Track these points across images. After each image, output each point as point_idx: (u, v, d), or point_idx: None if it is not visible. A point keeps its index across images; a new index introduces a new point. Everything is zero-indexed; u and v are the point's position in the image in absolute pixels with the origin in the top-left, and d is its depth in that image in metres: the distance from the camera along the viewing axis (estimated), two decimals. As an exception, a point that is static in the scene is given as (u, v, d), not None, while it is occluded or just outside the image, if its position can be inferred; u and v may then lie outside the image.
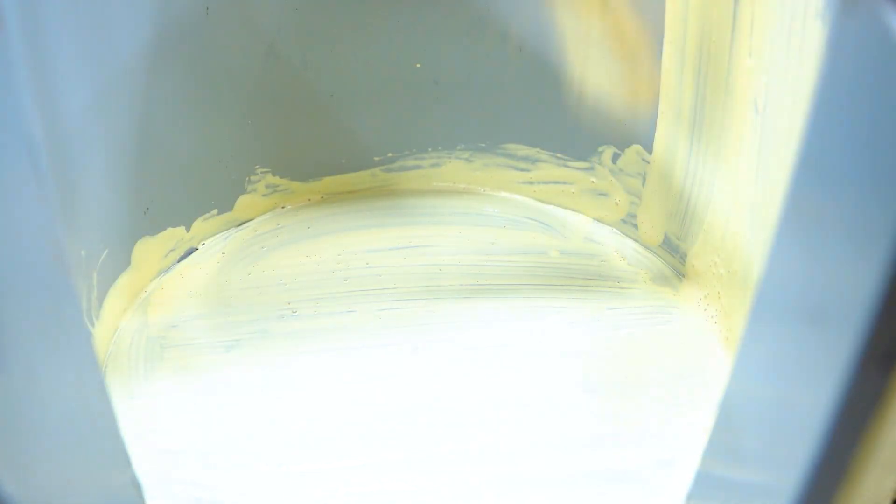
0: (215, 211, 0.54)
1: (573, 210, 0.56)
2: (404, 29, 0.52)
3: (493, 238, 0.54)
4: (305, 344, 0.48)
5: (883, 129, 0.24)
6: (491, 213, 0.56)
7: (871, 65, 0.24)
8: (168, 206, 0.51)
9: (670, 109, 0.49)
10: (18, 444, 0.28)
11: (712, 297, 0.50)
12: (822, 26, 0.38)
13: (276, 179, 0.55)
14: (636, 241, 0.54)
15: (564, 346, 0.48)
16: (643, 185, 0.52)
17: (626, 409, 0.46)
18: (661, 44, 0.48)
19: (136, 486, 0.36)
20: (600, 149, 0.53)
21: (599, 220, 0.55)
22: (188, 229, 0.53)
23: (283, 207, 0.56)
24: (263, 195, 0.55)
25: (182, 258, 0.53)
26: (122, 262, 0.49)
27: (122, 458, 0.35)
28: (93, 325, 0.47)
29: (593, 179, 0.54)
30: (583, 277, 0.52)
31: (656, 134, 0.50)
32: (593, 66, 0.51)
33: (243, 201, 0.54)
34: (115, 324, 0.49)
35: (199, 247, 0.53)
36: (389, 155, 0.56)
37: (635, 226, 0.54)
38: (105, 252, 0.48)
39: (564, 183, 0.55)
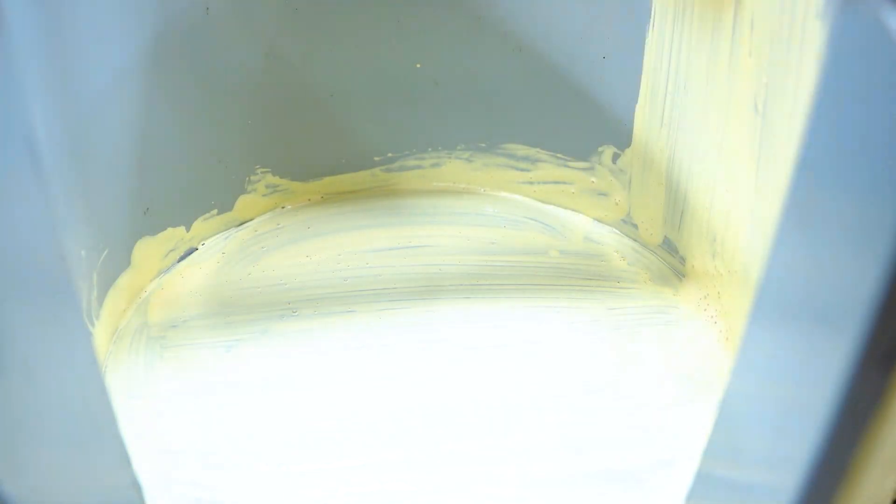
0: (215, 211, 0.54)
1: (573, 210, 0.56)
2: (404, 29, 0.52)
3: (493, 238, 0.54)
4: (305, 344, 0.48)
5: (883, 129, 0.24)
6: (491, 213, 0.56)
7: (871, 65, 0.24)
8: (168, 206, 0.51)
9: (656, 109, 0.49)
10: (18, 444, 0.28)
11: (712, 297, 0.50)
12: (822, 26, 0.38)
13: (276, 179, 0.55)
14: (636, 241, 0.54)
15: (564, 346, 0.48)
16: (643, 185, 0.53)
17: (626, 409, 0.46)
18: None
19: (136, 486, 0.36)
20: (600, 149, 0.53)
21: (599, 220, 0.55)
22: (188, 229, 0.53)
23: (283, 207, 0.56)
24: (263, 195, 0.55)
25: (182, 258, 0.53)
26: (122, 262, 0.49)
27: (122, 458, 0.35)
28: (93, 325, 0.47)
29: (593, 179, 0.54)
30: (583, 277, 0.52)
31: (654, 134, 0.51)
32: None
33: (243, 201, 0.54)
34: (115, 324, 0.49)
35: (199, 247, 0.53)
36: (389, 155, 0.56)
37: (635, 226, 0.54)
38: (105, 252, 0.48)
39: (564, 183, 0.55)
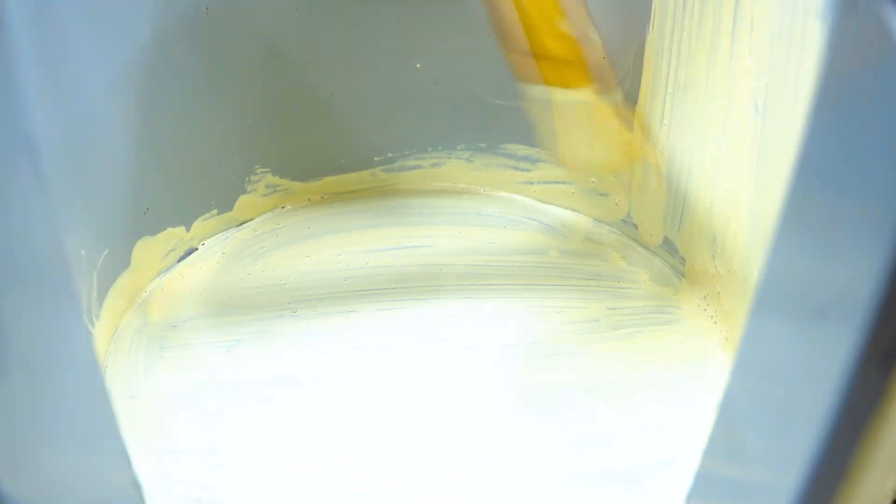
0: (215, 211, 0.54)
1: (573, 210, 0.56)
2: (404, 29, 0.52)
3: (493, 238, 0.54)
4: (305, 344, 0.48)
5: (883, 129, 0.24)
6: (491, 213, 0.56)
7: (871, 65, 0.24)
8: (168, 206, 0.51)
9: (657, 108, 0.49)
10: (18, 444, 0.28)
11: (712, 298, 0.50)
12: (822, 26, 0.38)
13: (276, 179, 0.55)
14: (636, 241, 0.54)
15: (564, 345, 0.48)
16: (643, 185, 0.53)
17: (626, 409, 0.46)
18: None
19: (136, 486, 0.36)
20: (600, 149, 0.53)
21: (599, 220, 0.55)
22: (188, 229, 0.53)
23: (283, 207, 0.56)
24: (263, 195, 0.55)
25: (182, 258, 0.53)
26: (122, 262, 0.49)
27: (122, 458, 0.35)
28: (93, 325, 0.47)
29: (593, 179, 0.54)
30: (583, 277, 0.52)
31: (649, 134, 0.50)
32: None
33: (243, 201, 0.54)
34: (115, 324, 0.49)
35: (199, 247, 0.53)
36: (389, 155, 0.56)
37: (635, 226, 0.54)
38: (105, 252, 0.48)
39: (564, 183, 0.55)
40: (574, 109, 0.47)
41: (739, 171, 0.46)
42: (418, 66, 0.53)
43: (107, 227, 0.48)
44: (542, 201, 0.56)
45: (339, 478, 0.43)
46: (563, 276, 0.52)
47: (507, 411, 0.45)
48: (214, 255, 0.53)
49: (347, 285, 0.51)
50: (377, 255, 0.53)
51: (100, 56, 0.44)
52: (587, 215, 0.55)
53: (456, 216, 0.55)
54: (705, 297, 0.50)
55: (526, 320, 0.50)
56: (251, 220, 0.55)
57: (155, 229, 0.51)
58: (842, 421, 0.25)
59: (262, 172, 0.54)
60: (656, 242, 0.53)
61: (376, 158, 0.56)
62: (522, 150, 0.55)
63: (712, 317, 0.50)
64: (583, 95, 0.46)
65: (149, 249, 0.51)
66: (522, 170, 0.56)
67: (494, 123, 0.55)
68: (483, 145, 0.56)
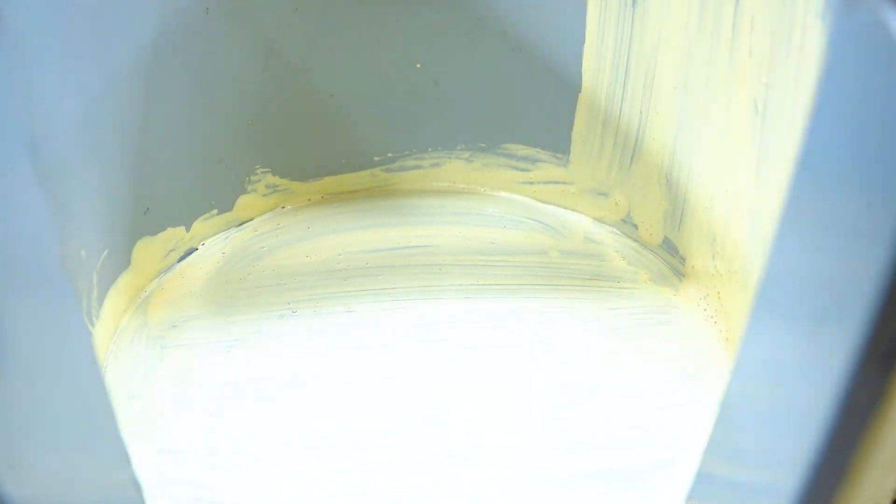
0: (215, 211, 0.54)
1: (573, 210, 0.56)
2: (404, 29, 0.52)
3: (493, 238, 0.54)
4: (305, 344, 0.48)
5: (883, 129, 0.24)
6: (491, 213, 0.56)
7: (871, 65, 0.24)
8: (168, 206, 0.51)
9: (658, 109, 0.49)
10: (18, 444, 0.28)
11: (712, 297, 0.50)
12: (822, 26, 0.38)
13: (276, 179, 0.55)
14: (636, 241, 0.54)
15: (564, 346, 0.48)
16: (643, 185, 0.53)
17: (626, 409, 0.46)
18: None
19: (136, 486, 0.36)
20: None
21: (599, 220, 0.55)
22: (188, 229, 0.53)
23: (283, 207, 0.56)
24: (263, 195, 0.55)
25: (182, 258, 0.53)
26: (122, 262, 0.49)
27: (122, 458, 0.35)
28: (93, 325, 0.47)
29: (593, 179, 0.54)
30: (583, 277, 0.52)
31: (647, 136, 0.51)
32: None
33: (243, 201, 0.54)
34: (115, 324, 0.49)
35: (199, 247, 0.53)
36: (389, 155, 0.56)
37: (635, 226, 0.54)
38: (105, 252, 0.48)
39: (564, 183, 0.55)
40: None
41: (739, 171, 0.46)
42: (418, 66, 0.53)
43: (107, 227, 0.48)
44: (542, 201, 0.56)
45: (339, 478, 0.43)
46: (563, 276, 0.52)
47: (507, 411, 0.45)
48: (214, 255, 0.53)
49: (347, 285, 0.51)
50: (377, 255, 0.53)
51: (99, 56, 0.44)
52: (587, 215, 0.55)
53: (456, 216, 0.55)
54: (705, 297, 0.50)
55: (526, 320, 0.50)
56: (251, 220, 0.55)
57: (155, 229, 0.51)
58: (842, 421, 0.25)
59: (262, 172, 0.54)
60: (656, 242, 0.53)
61: (376, 158, 0.56)
62: (522, 150, 0.55)
63: (712, 317, 0.50)
64: None
65: (149, 249, 0.51)
66: (522, 170, 0.56)
67: (494, 123, 0.55)
68: (483, 145, 0.56)
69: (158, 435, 0.44)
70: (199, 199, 0.53)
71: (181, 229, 0.52)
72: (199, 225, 0.53)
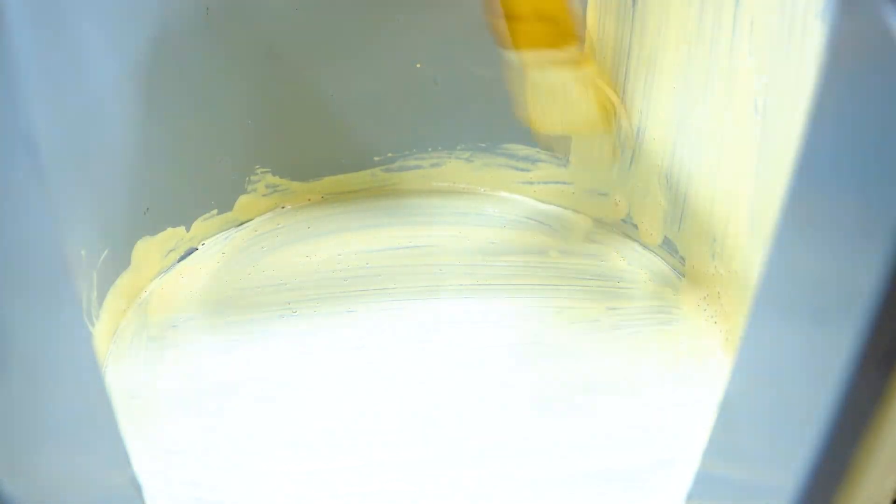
0: (215, 211, 0.54)
1: (573, 210, 0.56)
2: (404, 29, 0.52)
3: (493, 238, 0.54)
4: (305, 344, 0.48)
5: (883, 129, 0.24)
6: (491, 213, 0.56)
7: (871, 65, 0.24)
8: (168, 206, 0.51)
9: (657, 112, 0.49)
10: (18, 444, 0.28)
11: (712, 298, 0.50)
12: (822, 26, 0.38)
13: (276, 179, 0.55)
14: (636, 241, 0.54)
15: (564, 346, 0.48)
16: (643, 185, 0.53)
17: (625, 409, 0.46)
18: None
19: (136, 486, 0.36)
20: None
21: (599, 220, 0.55)
22: (188, 229, 0.53)
23: (283, 207, 0.56)
24: (263, 195, 0.55)
25: (182, 258, 0.53)
26: (122, 262, 0.49)
27: (122, 458, 0.35)
28: (93, 325, 0.47)
29: (593, 180, 0.54)
30: (583, 277, 0.52)
31: (647, 136, 0.51)
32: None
33: (243, 201, 0.54)
34: (115, 324, 0.49)
35: (199, 247, 0.53)
36: (389, 155, 0.56)
37: (635, 226, 0.54)
38: (105, 252, 0.48)
39: (564, 183, 0.55)
40: (555, 71, 0.48)
41: (739, 171, 0.46)
42: (418, 66, 0.53)
43: (107, 227, 0.48)
44: (542, 201, 0.56)
45: (339, 478, 0.43)
46: (563, 276, 0.52)
47: (507, 411, 0.45)
48: (214, 255, 0.53)
49: (347, 285, 0.51)
50: (377, 255, 0.53)
51: (100, 56, 0.44)
52: (587, 215, 0.55)
53: (456, 216, 0.55)
54: (705, 297, 0.50)
55: (526, 320, 0.50)
56: (251, 220, 0.55)
57: (155, 229, 0.51)
58: (842, 421, 0.25)
59: (262, 172, 0.54)
60: (656, 242, 0.53)
61: (376, 158, 0.56)
62: (522, 150, 0.55)
63: (712, 317, 0.50)
64: (569, 54, 0.47)
65: (149, 249, 0.51)
66: (522, 170, 0.56)
67: (494, 123, 0.55)
68: (483, 145, 0.56)
69: (158, 435, 0.44)
70: (199, 199, 0.53)
71: (181, 229, 0.52)
72: (199, 225, 0.53)
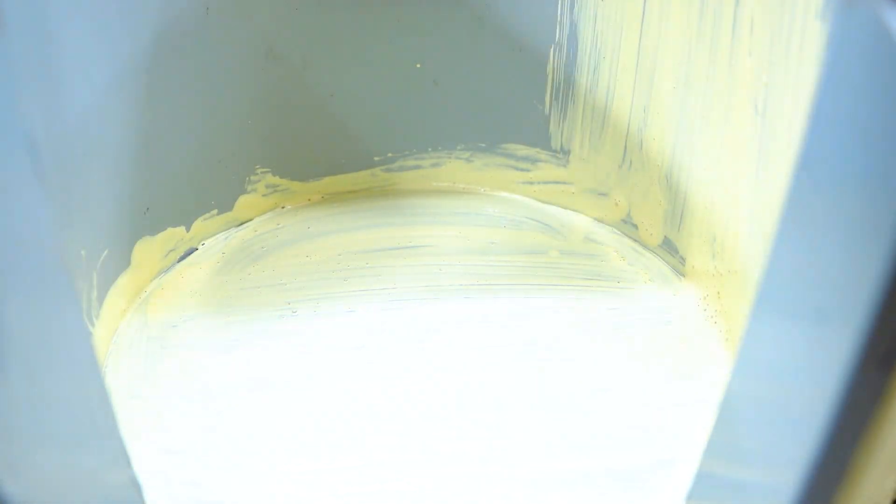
0: (215, 211, 0.54)
1: (573, 210, 0.56)
2: (404, 29, 0.52)
3: (493, 238, 0.54)
4: (305, 344, 0.48)
5: (883, 129, 0.24)
6: (491, 213, 0.56)
7: (871, 65, 0.24)
8: (168, 206, 0.51)
9: (660, 108, 0.49)
10: (18, 444, 0.28)
11: (712, 297, 0.50)
12: (822, 26, 0.38)
13: (276, 179, 0.55)
14: (636, 241, 0.54)
15: (564, 346, 0.48)
16: (643, 185, 0.53)
17: (626, 409, 0.46)
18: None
19: (136, 486, 0.36)
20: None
21: (599, 220, 0.55)
22: (188, 229, 0.53)
23: (283, 207, 0.56)
24: (263, 195, 0.55)
25: (182, 258, 0.53)
26: (122, 262, 0.49)
27: (122, 458, 0.35)
28: (93, 325, 0.47)
29: (593, 179, 0.54)
30: (583, 277, 0.52)
31: (647, 136, 0.51)
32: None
33: (243, 201, 0.54)
34: (115, 324, 0.49)
35: (199, 247, 0.53)
36: (389, 155, 0.56)
37: (635, 226, 0.54)
38: (105, 252, 0.48)
39: (564, 183, 0.55)
40: None
41: (739, 171, 0.46)
42: (418, 66, 0.53)
43: (107, 227, 0.48)
44: (542, 201, 0.56)
45: (340, 478, 0.43)
46: (563, 276, 0.52)
47: (507, 411, 0.45)
48: (214, 255, 0.53)
49: (347, 285, 0.51)
50: (377, 255, 0.53)
51: (99, 56, 0.44)
52: (587, 215, 0.55)
53: (456, 216, 0.55)
54: (705, 297, 0.50)
55: (526, 320, 0.50)
56: (251, 220, 0.55)
57: (155, 229, 0.51)
58: (842, 421, 0.25)
59: (262, 172, 0.54)
60: (656, 242, 0.53)
61: (376, 158, 0.56)
62: (522, 150, 0.55)
63: (712, 317, 0.50)
64: None
65: (149, 249, 0.51)
66: (522, 170, 0.56)
67: (494, 123, 0.55)
68: (483, 145, 0.56)
69: (158, 435, 0.44)
70: (199, 199, 0.53)
71: (181, 229, 0.52)
72: (199, 225, 0.53)
